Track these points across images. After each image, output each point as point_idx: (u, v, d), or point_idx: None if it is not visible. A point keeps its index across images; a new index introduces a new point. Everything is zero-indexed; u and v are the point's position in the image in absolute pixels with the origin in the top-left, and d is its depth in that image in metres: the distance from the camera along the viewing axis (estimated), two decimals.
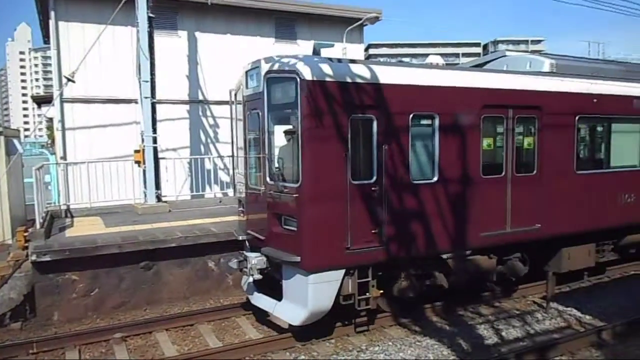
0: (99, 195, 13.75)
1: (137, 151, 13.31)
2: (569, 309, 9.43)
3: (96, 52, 14.01)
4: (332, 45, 8.54)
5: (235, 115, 8.99)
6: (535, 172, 9.21)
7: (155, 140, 13.15)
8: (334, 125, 7.29)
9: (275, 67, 7.70)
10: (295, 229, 7.48)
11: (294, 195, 7.38)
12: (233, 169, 15.29)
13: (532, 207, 9.09)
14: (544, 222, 9.20)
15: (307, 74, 7.17)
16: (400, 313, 8.87)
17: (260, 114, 7.98)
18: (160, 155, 13.62)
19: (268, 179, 7.92)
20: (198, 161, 15.47)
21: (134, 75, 14.13)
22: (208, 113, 17.15)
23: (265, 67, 7.79)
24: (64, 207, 13.27)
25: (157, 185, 13.30)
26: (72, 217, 12.55)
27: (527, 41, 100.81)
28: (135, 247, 9.59)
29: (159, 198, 13.36)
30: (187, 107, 16.87)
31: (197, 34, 16.97)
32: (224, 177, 16.55)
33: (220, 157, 16.68)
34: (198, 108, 17.06)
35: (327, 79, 7.29)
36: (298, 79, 7.21)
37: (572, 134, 9.60)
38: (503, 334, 8.38)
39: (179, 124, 16.61)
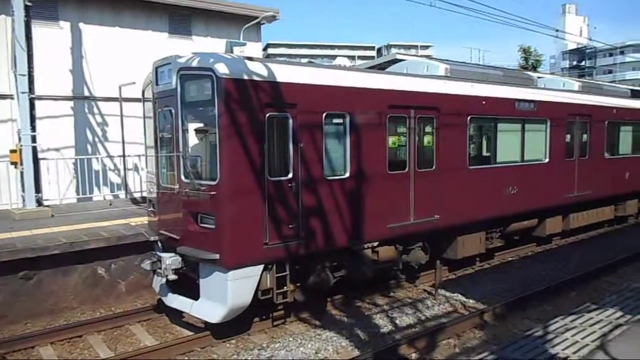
0: None
1: (13, 151, 12.66)
2: (455, 294, 10.62)
3: None
4: (245, 44, 9.03)
5: (144, 113, 9.10)
6: (434, 167, 10.39)
7: (34, 139, 12.58)
8: (251, 123, 7.71)
9: (190, 63, 7.95)
10: (213, 226, 7.81)
11: (212, 193, 7.69)
12: (125, 169, 15.31)
13: (432, 199, 10.25)
14: (442, 213, 10.42)
15: (223, 71, 7.51)
16: (300, 308, 9.39)
17: (173, 111, 8.18)
18: (40, 155, 13.06)
19: (183, 177, 8.16)
20: (84, 161, 14.94)
21: (9, 69, 13.44)
22: (95, 110, 16.62)
23: (178, 64, 8.01)
24: None
25: (38, 188, 12.71)
26: None
27: (417, 46, 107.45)
28: (12, 256, 9.12)
29: (39, 202, 12.78)
30: (71, 103, 16.22)
31: (82, 25, 16.37)
32: (114, 178, 16.13)
33: (110, 157, 16.24)
34: (84, 105, 16.46)
35: (244, 76, 7.69)
36: (214, 76, 7.51)
37: (465, 132, 10.96)
38: (397, 321, 9.25)
39: (62, 121, 15.90)
